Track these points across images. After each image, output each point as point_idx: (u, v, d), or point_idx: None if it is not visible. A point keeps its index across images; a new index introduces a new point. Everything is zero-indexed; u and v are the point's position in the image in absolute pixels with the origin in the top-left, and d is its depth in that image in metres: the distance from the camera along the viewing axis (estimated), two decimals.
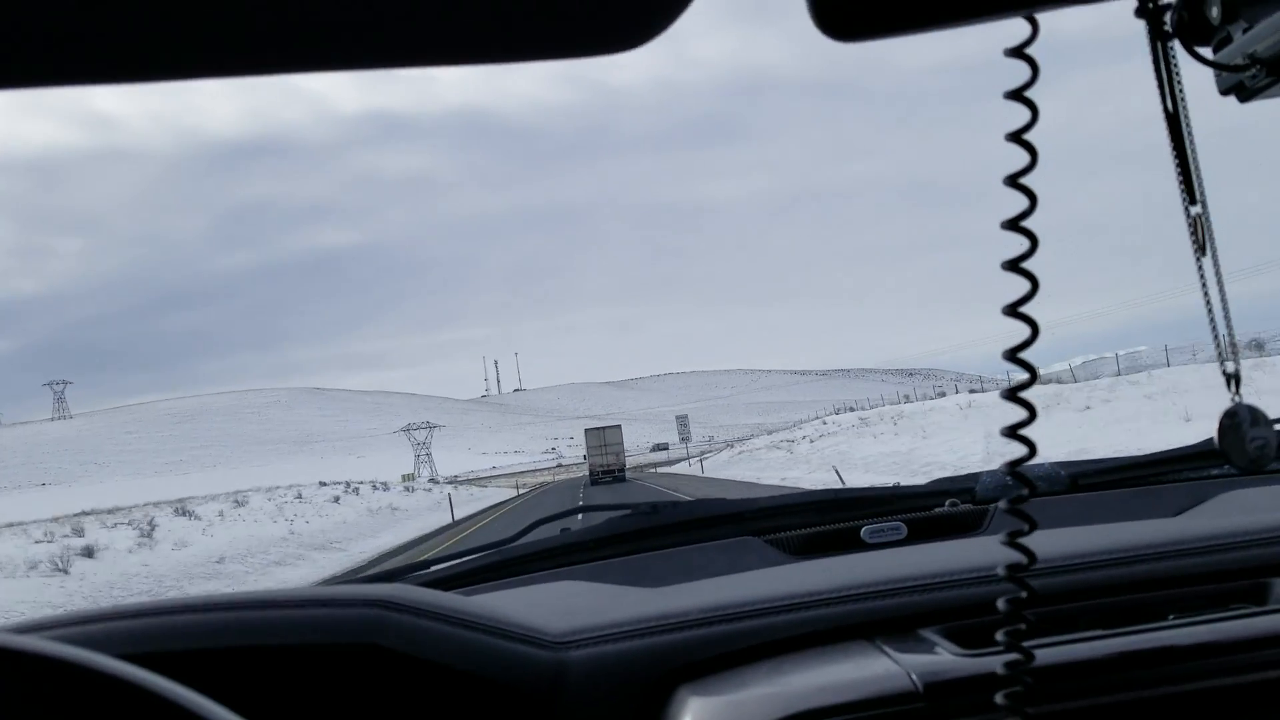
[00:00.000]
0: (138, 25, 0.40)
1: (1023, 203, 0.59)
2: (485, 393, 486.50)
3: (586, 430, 57.09)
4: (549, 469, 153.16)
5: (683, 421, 72.86)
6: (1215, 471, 1.73)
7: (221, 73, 0.43)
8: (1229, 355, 0.62)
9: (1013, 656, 0.69)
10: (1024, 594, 0.67)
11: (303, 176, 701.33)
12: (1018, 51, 0.57)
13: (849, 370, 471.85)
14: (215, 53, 0.43)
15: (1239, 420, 0.61)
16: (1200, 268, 0.62)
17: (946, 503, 1.73)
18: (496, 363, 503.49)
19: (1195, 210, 0.62)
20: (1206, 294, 0.62)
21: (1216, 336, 0.62)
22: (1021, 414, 0.62)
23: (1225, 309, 0.61)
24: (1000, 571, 0.67)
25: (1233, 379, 0.62)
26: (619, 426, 56.78)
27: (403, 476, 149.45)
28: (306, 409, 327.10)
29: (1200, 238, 0.62)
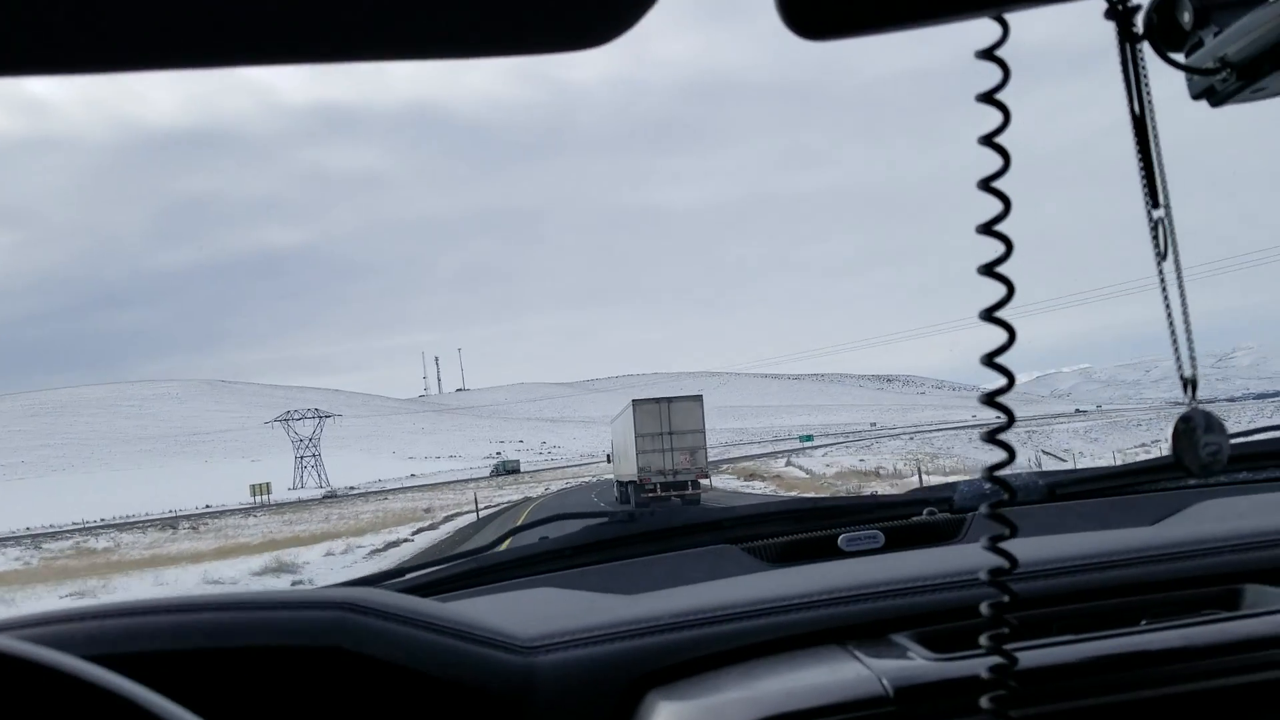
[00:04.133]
0: (113, 12, 0.40)
1: (997, 206, 0.59)
2: (424, 392, 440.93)
3: (635, 404, 31.54)
4: (486, 480, 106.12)
5: None
6: (1192, 481, 1.72)
7: (165, 63, 0.42)
8: (1188, 361, 0.62)
9: (997, 660, 0.69)
10: (1006, 598, 0.68)
11: (247, 171, 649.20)
12: (988, 53, 0.56)
13: (823, 375, 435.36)
14: (163, 42, 0.42)
15: (1194, 425, 0.62)
16: (1161, 272, 0.62)
17: (925, 511, 1.74)
18: (437, 359, 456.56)
19: (1158, 214, 0.62)
20: (1167, 299, 0.62)
21: (1175, 342, 0.62)
22: (1000, 419, 0.62)
23: (1185, 314, 0.62)
24: (983, 576, 0.68)
25: (1189, 384, 0.63)
26: (698, 399, 31.74)
27: (253, 488, 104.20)
28: (201, 403, 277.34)
29: (1162, 242, 0.62)
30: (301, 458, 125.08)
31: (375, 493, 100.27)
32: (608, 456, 46.64)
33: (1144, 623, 0.96)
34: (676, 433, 31.08)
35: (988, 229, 0.60)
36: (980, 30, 0.55)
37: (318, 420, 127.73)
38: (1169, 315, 0.61)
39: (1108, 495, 1.74)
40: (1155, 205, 0.62)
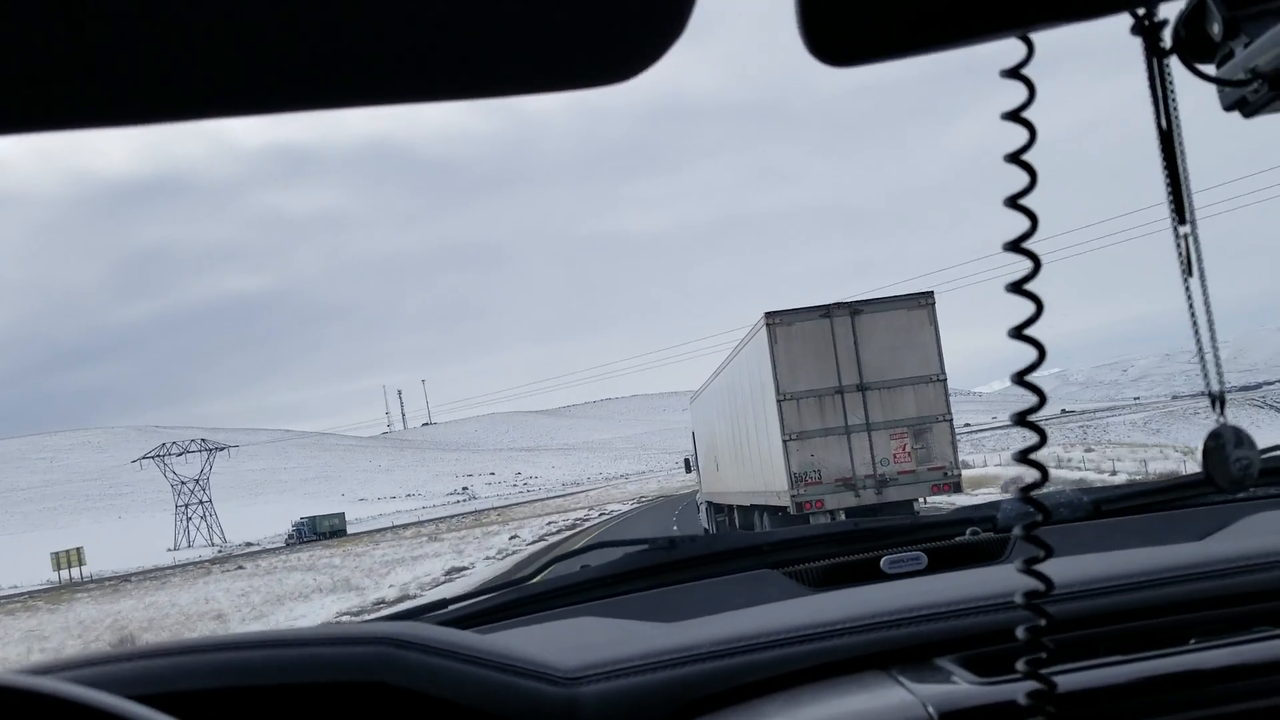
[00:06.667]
0: (140, 64, 0.39)
1: (1024, 224, 0.59)
2: (387, 429, 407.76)
3: (771, 323, 12.70)
4: (441, 523, 75.56)
5: None
6: (1241, 495, 1.69)
7: (215, 112, 0.41)
8: (1215, 377, 0.62)
9: (1034, 685, 0.68)
10: (1043, 621, 0.67)
11: (204, 217, 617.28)
12: (1014, 72, 0.57)
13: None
14: (212, 91, 0.40)
15: (1223, 441, 0.62)
16: (1188, 288, 0.62)
17: (968, 531, 1.73)
18: (400, 393, 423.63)
19: (1184, 230, 0.62)
20: (1194, 315, 0.62)
21: (1203, 358, 0.62)
22: (1033, 438, 0.62)
23: (1211, 330, 0.61)
24: (1018, 599, 0.67)
25: (1218, 400, 0.63)
26: (926, 300, 12.61)
27: (55, 559, 72.85)
28: (122, 451, 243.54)
29: (1188, 258, 0.62)
30: (186, 505, 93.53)
31: (252, 554, 69.58)
32: (686, 462, 26.55)
33: (1193, 641, 0.95)
34: (876, 386, 12.75)
35: (1015, 246, 0.59)
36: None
37: (205, 455, 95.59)
38: (1195, 332, 0.61)
39: (1153, 510, 1.71)
40: (1182, 221, 0.62)
